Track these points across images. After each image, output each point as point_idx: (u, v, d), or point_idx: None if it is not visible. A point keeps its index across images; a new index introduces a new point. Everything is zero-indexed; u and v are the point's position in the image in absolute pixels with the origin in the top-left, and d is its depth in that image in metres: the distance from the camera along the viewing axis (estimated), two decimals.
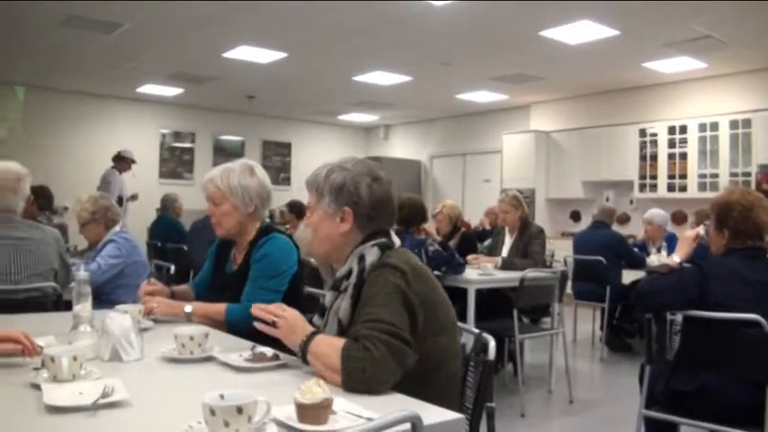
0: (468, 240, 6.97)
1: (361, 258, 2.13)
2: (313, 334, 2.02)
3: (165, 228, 8.98)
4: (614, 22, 7.63)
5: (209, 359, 2.21)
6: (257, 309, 2.15)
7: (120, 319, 2.25)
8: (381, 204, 2.21)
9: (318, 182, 2.26)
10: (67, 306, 3.45)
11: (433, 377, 2.02)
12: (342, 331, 2.08)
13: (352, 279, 2.11)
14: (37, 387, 1.82)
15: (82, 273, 2.48)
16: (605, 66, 9.67)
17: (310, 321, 2.21)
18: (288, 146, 15.50)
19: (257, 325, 2.13)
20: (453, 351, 2.12)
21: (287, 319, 2.09)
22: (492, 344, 2.14)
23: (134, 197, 10.96)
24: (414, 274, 2.04)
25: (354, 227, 2.21)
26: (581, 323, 7.99)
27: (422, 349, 1.97)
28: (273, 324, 2.09)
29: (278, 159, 15.19)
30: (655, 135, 10.72)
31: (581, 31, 7.98)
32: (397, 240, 2.22)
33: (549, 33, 8.07)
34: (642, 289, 3.29)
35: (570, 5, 7.08)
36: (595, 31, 7.92)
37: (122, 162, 10.88)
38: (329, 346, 1.94)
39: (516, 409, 5.10)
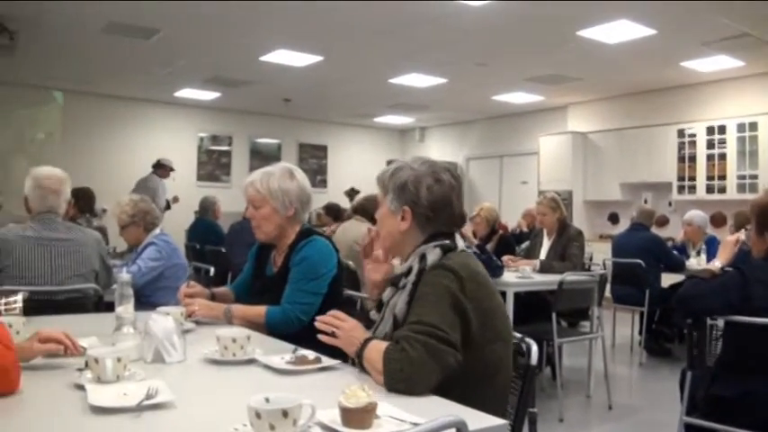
0: (505, 243, 6.94)
1: (423, 257, 2.14)
2: (366, 341, 2.04)
3: (204, 230, 9.04)
4: (651, 22, 7.54)
5: (251, 361, 2.22)
6: (319, 321, 2.17)
7: (163, 320, 2.27)
8: (439, 206, 2.21)
9: (385, 179, 2.29)
10: (108, 307, 3.51)
11: (487, 384, 2.03)
12: (396, 327, 2.09)
13: (411, 277, 2.12)
14: (81, 388, 1.84)
15: (124, 275, 2.50)
16: (642, 65, 9.56)
17: (368, 318, 2.22)
18: (324, 148, 15.57)
19: (320, 336, 2.16)
20: (507, 359, 2.12)
21: (345, 329, 2.12)
22: (534, 348, 2.13)
23: (175, 200, 11.11)
24: (470, 279, 2.04)
25: (414, 226, 2.22)
26: (619, 327, 7.90)
27: (477, 355, 1.98)
28: (334, 334, 2.12)
29: (314, 162, 15.25)
30: (693, 136, 10.56)
31: (618, 31, 7.89)
32: (461, 243, 2.22)
33: (587, 33, 7.99)
34: (684, 293, 3.24)
35: (607, 5, 7.01)
36: (633, 30, 7.84)
37: (162, 169, 11.09)
38: (377, 351, 1.96)
39: (555, 413, 5.06)
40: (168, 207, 10.84)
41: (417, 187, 2.20)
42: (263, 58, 9.49)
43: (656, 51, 8.75)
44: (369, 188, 11.17)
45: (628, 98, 11.67)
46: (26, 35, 8.29)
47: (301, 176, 3.14)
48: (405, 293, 2.11)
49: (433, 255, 2.12)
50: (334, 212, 8.35)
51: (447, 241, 2.18)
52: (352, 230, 5.83)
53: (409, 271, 2.15)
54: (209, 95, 12.58)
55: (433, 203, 2.20)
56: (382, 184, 2.29)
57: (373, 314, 2.29)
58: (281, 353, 2.25)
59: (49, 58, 9.85)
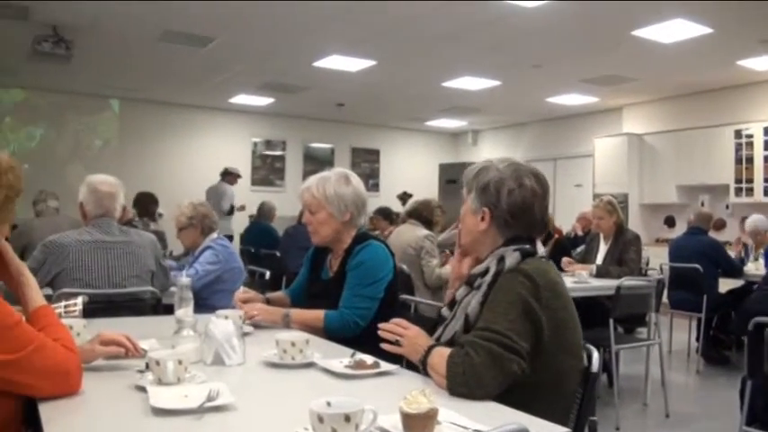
0: (561, 247, 6.87)
1: (501, 260, 2.11)
2: (431, 348, 2.04)
3: (259, 234, 9.14)
4: (707, 20, 7.40)
5: (310, 365, 2.23)
6: (382, 329, 2.19)
7: (223, 323, 2.29)
8: (518, 211, 2.18)
9: (470, 177, 2.28)
10: (166, 309, 3.57)
11: (553, 392, 2.01)
12: (467, 327, 2.07)
13: (487, 278, 2.10)
14: (142, 389, 1.87)
15: (184, 278, 2.54)
16: (698, 65, 9.38)
17: (438, 316, 2.23)
18: (377, 152, 15.62)
19: (383, 345, 2.17)
20: (576, 370, 2.09)
21: (409, 337, 2.12)
22: (596, 355, 2.10)
23: (242, 208, 11.36)
24: (546, 287, 2.02)
25: (493, 228, 2.20)
26: (676, 333, 7.75)
27: (546, 364, 1.97)
28: (397, 342, 2.12)
29: (367, 166, 15.30)
30: (750, 137, 10.30)
31: (673, 30, 7.77)
32: (541, 250, 2.20)
33: (642, 33, 7.88)
34: (750, 307, 3.17)
35: (663, 5, 6.90)
36: (688, 29, 7.71)
37: (230, 176, 11.48)
38: (440, 356, 1.96)
39: (611, 421, 4.97)
40: (231, 212, 11.16)
41: (499, 190, 2.18)
42: (317, 64, 9.56)
43: (712, 50, 8.58)
44: (421, 192, 11.26)
45: (683, 99, 11.45)
46: (82, 45, 8.49)
47: (357, 181, 3.15)
48: (479, 294, 2.09)
49: (511, 258, 2.10)
50: (387, 216, 8.33)
51: (527, 246, 2.15)
52: (406, 234, 5.82)
53: (486, 271, 2.13)
54: (263, 101, 12.73)
55: (513, 208, 2.18)
56: (467, 182, 2.28)
57: (445, 311, 2.29)
58: (339, 357, 2.26)
59: (105, 66, 10.07)
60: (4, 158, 1.87)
